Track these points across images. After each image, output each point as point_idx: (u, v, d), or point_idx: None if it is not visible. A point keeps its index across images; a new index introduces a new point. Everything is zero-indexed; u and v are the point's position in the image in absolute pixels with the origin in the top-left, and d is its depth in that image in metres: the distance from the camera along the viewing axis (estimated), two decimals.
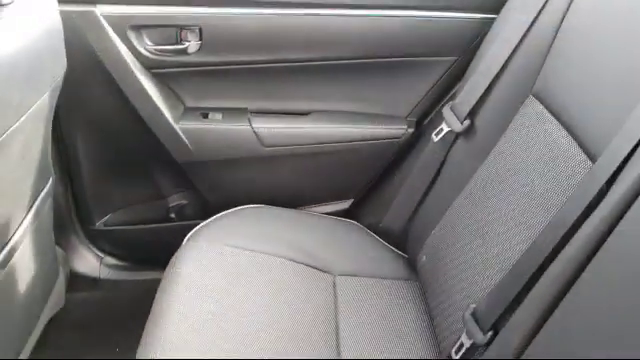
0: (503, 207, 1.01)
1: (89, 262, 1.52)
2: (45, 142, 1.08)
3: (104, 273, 1.53)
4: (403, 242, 1.33)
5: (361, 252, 1.31)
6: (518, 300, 0.85)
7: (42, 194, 1.14)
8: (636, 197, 0.71)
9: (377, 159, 1.41)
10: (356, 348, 1.07)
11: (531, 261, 0.85)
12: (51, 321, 1.37)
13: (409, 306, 1.18)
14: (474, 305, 0.95)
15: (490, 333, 0.89)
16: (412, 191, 1.29)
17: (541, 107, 1.02)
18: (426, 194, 1.27)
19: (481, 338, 0.89)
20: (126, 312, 1.33)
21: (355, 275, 1.23)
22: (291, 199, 1.41)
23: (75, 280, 1.51)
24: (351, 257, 1.28)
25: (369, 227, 1.38)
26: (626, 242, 0.71)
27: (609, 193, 0.76)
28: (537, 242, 0.86)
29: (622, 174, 0.75)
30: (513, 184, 1.02)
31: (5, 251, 1.01)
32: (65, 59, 1.05)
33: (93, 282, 1.53)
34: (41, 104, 0.96)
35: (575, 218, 0.79)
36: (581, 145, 0.89)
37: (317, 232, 1.32)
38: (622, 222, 0.71)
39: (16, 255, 1.06)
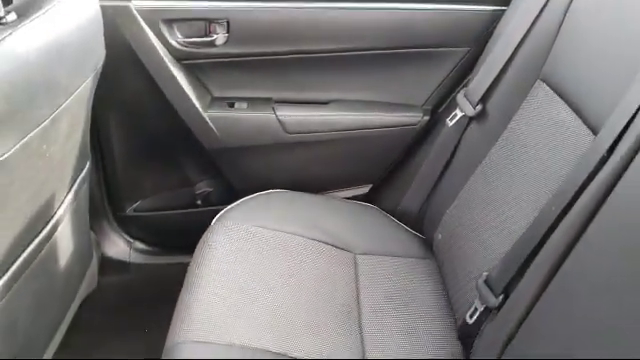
0: (514, 183, 1.08)
1: (120, 247, 1.60)
2: (86, 125, 1.16)
3: (134, 257, 1.61)
4: (420, 223, 1.39)
5: (380, 233, 1.38)
6: (527, 265, 0.91)
7: (81, 175, 1.22)
8: (631, 162, 0.77)
9: (394, 146, 1.48)
10: (376, 318, 1.14)
11: (538, 228, 0.91)
12: (83, 302, 1.45)
13: (426, 281, 1.25)
14: (486, 273, 1.01)
15: (501, 297, 0.95)
16: (428, 174, 1.36)
17: (548, 89, 1.08)
18: (441, 176, 1.34)
19: (493, 301, 0.96)
20: (155, 295, 1.40)
21: (374, 254, 1.30)
22: (313, 184, 1.48)
23: (106, 264, 1.59)
24: (370, 238, 1.34)
25: (387, 211, 1.44)
26: (622, 204, 0.77)
27: (608, 161, 0.82)
28: (543, 211, 0.92)
29: (621, 143, 0.81)
30: (523, 161, 1.08)
31: (50, 225, 1.09)
32: (104, 49, 1.13)
33: (123, 266, 1.61)
34: (84, 88, 1.05)
35: (578, 186, 0.86)
36: (585, 121, 0.95)
37: (338, 215, 1.39)
38: (618, 186, 0.77)
39: (58, 230, 1.14)
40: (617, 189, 0.78)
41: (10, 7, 0.84)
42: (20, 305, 1.01)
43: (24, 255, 0.99)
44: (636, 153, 0.78)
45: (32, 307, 1.07)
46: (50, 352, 1.23)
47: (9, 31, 0.80)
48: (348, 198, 1.52)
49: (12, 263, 0.97)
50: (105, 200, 1.56)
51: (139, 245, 1.62)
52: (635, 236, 0.72)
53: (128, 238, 1.61)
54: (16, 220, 0.94)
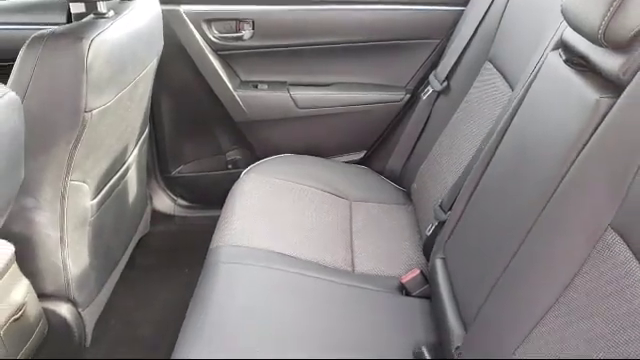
0: (468, 137, 1.45)
1: (166, 202, 2.00)
2: (148, 97, 1.56)
3: (177, 211, 2.00)
4: (402, 179, 1.77)
5: (370, 187, 1.75)
6: (461, 186, 1.28)
7: (143, 137, 1.62)
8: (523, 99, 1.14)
9: (383, 118, 1.86)
10: (364, 242, 1.50)
11: (473, 160, 1.28)
12: (137, 245, 1.82)
13: (403, 219, 1.62)
14: (441, 199, 1.38)
15: (449, 212, 1.32)
16: (408, 139, 1.74)
17: (492, 67, 1.46)
18: (418, 140, 1.71)
19: (443, 217, 1.33)
20: (194, 241, 1.73)
21: (366, 201, 1.67)
22: (318, 150, 1.87)
23: (155, 216, 1.98)
24: (362, 190, 1.72)
25: (377, 171, 1.83)
26: (517, 131, 1.13)
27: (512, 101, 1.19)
28: (478, 149, 1.30)
29: (523, 92, 1.18)
30: (474, 121, 1.45)
31: (125, 167, 1.49)
32: (162, 40, 1.54)
33: (169, 218, 2.00)
34: (151, 66, 1.45)
35: (501, 129, 1.23)
36: (510, 84, 1.33)
37: (338, 173, 1.77)
38: (515, 118, 1.14)
39: (129, 173, 1.54)
40: (514, 120, 1.14)
41: (110, 5, 1.25)
42: (106, 220, 1.41)
43: (110, 183, 1.39)
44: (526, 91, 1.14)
45: (112, 224, 1.47)
46: (114, 277, 1.60)
47: (110, 22, 1.20)
48: (347, 161, 1.91)
49: (103, 188, 1.37)
50: (155, 163, 1.95)
51: (181, 201, 2.02)
52: (523, 151, 1.09)
53: (173, 195, 2.01)
54: (107, 155, 1.34)
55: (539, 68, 1.14)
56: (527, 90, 1.14)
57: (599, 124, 0.87)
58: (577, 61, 1.00)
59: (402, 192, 1.75)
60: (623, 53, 0.86)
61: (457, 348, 1.07)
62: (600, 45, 0.88)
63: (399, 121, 1.85)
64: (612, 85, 0.89)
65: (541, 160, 0.99)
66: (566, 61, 1.03)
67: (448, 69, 1.60)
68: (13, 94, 0.84)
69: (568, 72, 1.00)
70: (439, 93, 1.64)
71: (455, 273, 1.22)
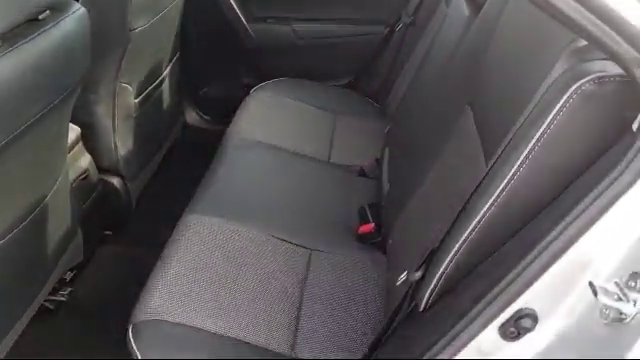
0: (433, 61, 1.85)
1: (194, 117, 2.47)
2: (178, 24, 2.00)
3: (201, 123, 2.47)
4: (383, 96, 2.18)
5: (351, 103, 2.19)
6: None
7: (175, 57, 2.08)
8: None
9: (367, 49, 2.28)
10: (343, 146, 1.94)
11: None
12: (174, 146, 2.29)
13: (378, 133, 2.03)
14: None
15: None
16: (385, 66, 2.16)
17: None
18: (394, 67, 2.12)
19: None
20: (210, 144, 2.05)
21: (348, 115, 2.09)
22: (314, 75, 2.30)
23: (187, 128, 2.45)
24: (346, 107, 2.15)
25: (361, 93, 2.25)
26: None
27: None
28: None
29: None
30: (437, 49, 1.85)
31: (160, 78, 1.95)
32: None
33: (199, 130, 2.47)
34: (179, 1, 1.89)
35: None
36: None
37: (326, 93, 2.22)
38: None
39: (163, 85, 2.00)
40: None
41: None
42: (146, 117, 1.88)
43: (149, 88, 1.86)
44: None
45: (151, 121, 1.94)
46: (155, 163, 2.08)
47: None
48: (336, 85, 2.35)
49: (143, 91, 1.84)
50: (184, 86, 2.41)
51: (204, 116, 2.48)
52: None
53: (199, 112, 2.48)
54: (146, 66, 1.81)
55: None
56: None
57: None
58: None
59: (378, 108, 2.17)
60: None
61: None
62: None
63: (380, 51, 2.26)
64: None
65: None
66: None
67: (415, 6, 2.00)
68: (84, 9, 1.27)
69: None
70: (407, 25, 2.04)
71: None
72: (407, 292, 0.99)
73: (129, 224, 1.96)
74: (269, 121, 1.96)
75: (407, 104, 1.73)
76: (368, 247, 1.51)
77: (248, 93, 2.25)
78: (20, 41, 1.02)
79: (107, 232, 1.96)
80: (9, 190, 1.17)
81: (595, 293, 0.69)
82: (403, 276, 1.04)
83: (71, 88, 1.25)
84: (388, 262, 1.39)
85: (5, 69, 0.97)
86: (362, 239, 1.53)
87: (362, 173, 1.79)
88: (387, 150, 1.73)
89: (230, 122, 2.30)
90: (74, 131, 1.63)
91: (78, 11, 1.26)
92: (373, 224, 1.53)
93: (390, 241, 1.41)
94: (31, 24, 1.08)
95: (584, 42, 0.82)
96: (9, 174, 1.14)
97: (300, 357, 1.19)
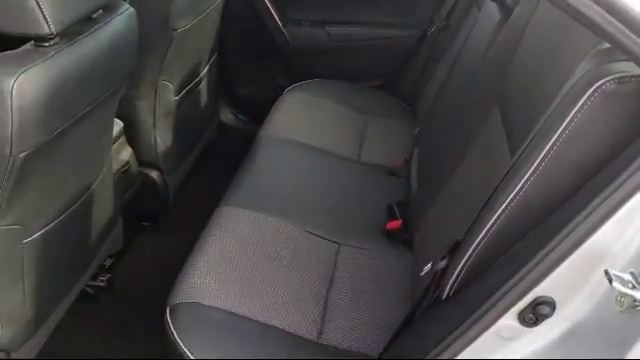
0: (463, 59, 1.89)
1: (228, 116, 2.55)
2: (217, 26, 2.08)
3: (236, 123, 2.55)
4: (414, 98, 2.23)
5: (384, 105, 2.24)
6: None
7: (213, 58, 2.16)
8: None
9: (400, 51, 2.33)
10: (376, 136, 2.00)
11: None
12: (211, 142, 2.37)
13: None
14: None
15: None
16: (417, 68, 2.20)
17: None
18: (425, 67, 2.17)
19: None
20: (244, 143, 2.12)
21: (380, 117, 2.15)
22: (347, 77, 2.36)
23: (221, 126, 2.53)
24: (379, 107, 2.21)
25: (392, 94, 2.30)
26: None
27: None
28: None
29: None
30: (465, 53, 1.89)
31: (198, 78, 2.04)
32: None
33: (230, 128, 2.54)
34: (219, 4, 1.97)
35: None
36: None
37: (360, 94, 2.28)
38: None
39: (201, 84, 2.09)
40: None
41: None
42: (184, 114, 1.96)
43: (188, 87, 1.95)
44: None
45: (189, 119, 2.03)
46: (192, 158, 2.17)
47: None
48: (369, 86, 2.40)
49: (183, 89, 1.92)
50: (220, 85, 2.50)
51: (240, 116, 2.56)
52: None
53: (235, 112, 2.56)
54: (186, 66, 1.89)
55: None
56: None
57: None
58: None
59: (410, 109, 2.22)
60: None
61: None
62: None
63: (412, 54, 2.30)
64: None
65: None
66: None
67: (447, 11, 2.04)
68: (132, 9, 1.36)
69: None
70: (439, 30, 2.08)
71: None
72: (432, 281, 1.03)
73: (166, 216, 2.05)
74: (301, 120, 2.03)
75: (437, 105, 1.78)
76: (395, 243, 1.56)
77: (282, 94, 2.32)
78: (77, 37, 1.10)
79: (145, 223, 2.06)
80: (61, 176, 1.26)
81: (610, 280, 0.72)
82: (428, 266, 1.09)
83: (119, 83, 1.33)
84: (414, 256, 1.44)
85: (65, 62, 1.05)
86: (389, 235, 1.57)
87: (391, 173, 1.84)
88: (416, 151, 1.78)
89: (264, 122, 2.42)
90: (118, 125, 1.72)
91: (127, 11, 1.35)
92: (401, 221, 1.58)
93: (417, 237, 1.46)
94: (86, 22, 1.17)
95: (607, 45, 0.86)
96: (62, 161, 1.22)
97: (326, 344, 1.25)
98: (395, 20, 2.29)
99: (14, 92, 0.98)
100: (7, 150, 1.01)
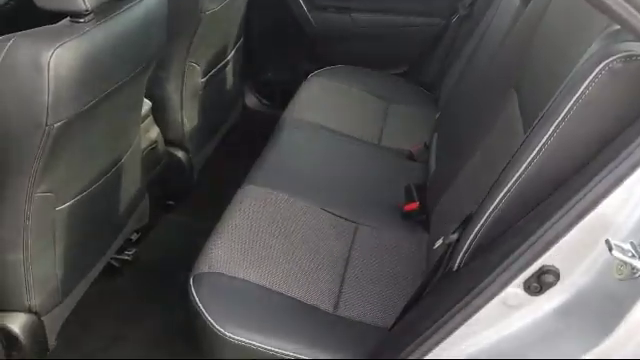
0: (484, 47, 1.91)
1: (253, 101, 2.60)
2: (244, 11, 2.13)
3: (260, 107, 2.60)
4: (436, 85, 2.25)
5: (405, 91, 2.27)
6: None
7: (239, 42, 2.21)
8: None
9: (423, 39, 2.36)
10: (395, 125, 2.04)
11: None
12: (233, 131, 2.44)
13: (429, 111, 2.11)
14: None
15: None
16: (440, 53, 2.23)
17: None
18: (447, 55, 2.19)
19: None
20: (267, 126, 2.18)
21: (400, 104, 2.18)
22: (370, 63, 2.39)
23: (245, 111, 2.58)
24: (399, 94, 2.24)
25: (415, 81, 2.33)
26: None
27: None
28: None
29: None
30: (485, 40, 1.91)
31: (224, 61, 2.09)
32: None
33: (256, 113, 2.60)
34: None
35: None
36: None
37: (383, 81, 2.31)
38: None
39: (227, 68, 2.14)
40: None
41: None
42: (210, 96, 2.02)
43: (214, 70, 2.01)
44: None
45: (215, 101, 2.08)
46: (216, 139, 2.24)
47: None
48: (392, 74, 2.43)
49: (208, 72, 1.98)
50: (245, 70, 2.55)
51: (264, 101, 2.61)
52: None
53: (259, 96, 2.61)
54: (212, 49, 1.95)
55: None
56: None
57: None
58: None
59: (430, 95, 2.25)
60: None
61: None
62: None
63: (435, 42, 2.33)
64: None
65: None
66: None
67: None
68: None
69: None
70: (463, 17, 2.10)
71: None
72: (444, 254, 1.07)
73: (190, 195, 2.12)
74: (324, 105, 2.07)
75: (458, 91, 1.80)
76: (412, 224, 1.59)
77: (306, 79, 2.36)
78: (110, 15, 1.16)
79: (170, 202, 2.13)
80: (92, 148, 1.32)
81: (610, 249, 0.76)
82: (440, 240, 1.13)
83: (149, 61, 1.39)
84: (429, 234, 1.47)
85: (98, 38, 1.12)
86: (407, 216, 1.61)
87: (411, 157, 1.88)
88: (436, 135, 1.81)
89: (287, 106, 2.47)
90: (146, 104, 1.78)
91: None
92: (418, 203, 1.62)
93: (433, 217, 1.49)
94: (119, 0, 1.22)
95: (617, 27, 0.89)
96: (93, 134, 1.29)
97: (342, 315, 1.30)
98: (419, 8, 2.32)
99: (51, 64, 1.05)
100: (43, 119, 1.08)
